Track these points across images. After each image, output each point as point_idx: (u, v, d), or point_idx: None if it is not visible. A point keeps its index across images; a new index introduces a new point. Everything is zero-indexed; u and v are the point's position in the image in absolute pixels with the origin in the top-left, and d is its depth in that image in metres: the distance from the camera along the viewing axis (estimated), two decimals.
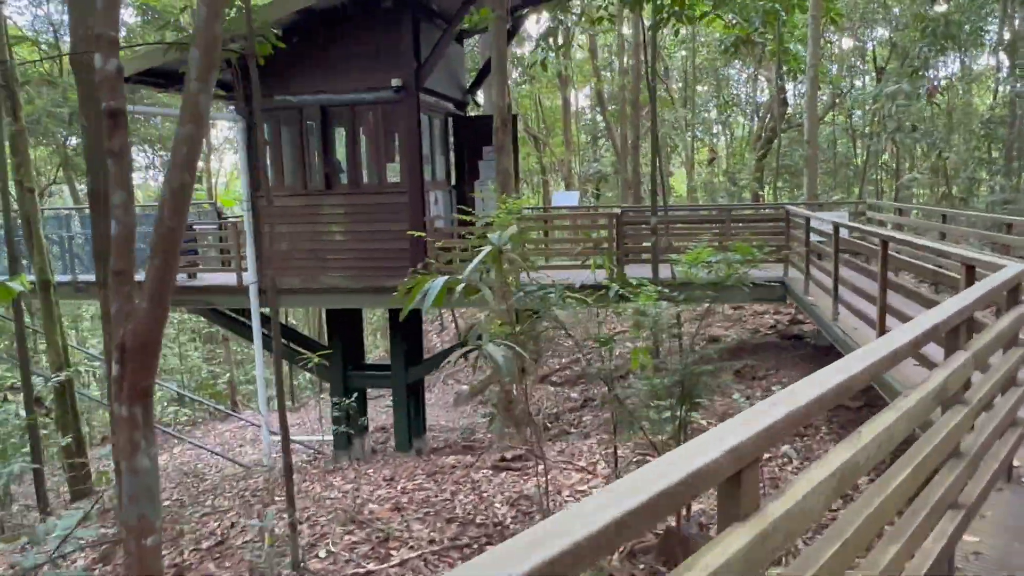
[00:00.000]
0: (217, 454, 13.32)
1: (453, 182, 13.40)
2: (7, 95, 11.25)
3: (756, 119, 26.69)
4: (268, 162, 11.61)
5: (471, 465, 7.70)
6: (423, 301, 3.97)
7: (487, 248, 4.56)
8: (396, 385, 12.28)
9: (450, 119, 13.34)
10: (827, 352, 8.40)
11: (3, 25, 11.44)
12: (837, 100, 23.52)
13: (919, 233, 11.83)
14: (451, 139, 13.09)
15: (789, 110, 24.41)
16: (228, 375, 21.88)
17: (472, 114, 15.03)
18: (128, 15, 21.65)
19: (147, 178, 29.17)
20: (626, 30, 20.89)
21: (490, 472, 7.27)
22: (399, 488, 7.22)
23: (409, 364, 12.26)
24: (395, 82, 10.59)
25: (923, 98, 17.97)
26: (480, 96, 16.10)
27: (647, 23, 13.44)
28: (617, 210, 10.99)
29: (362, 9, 10.62)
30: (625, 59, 16.11)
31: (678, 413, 4.95)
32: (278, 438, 6.11)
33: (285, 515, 5.95)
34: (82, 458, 11.95)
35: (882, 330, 6.05)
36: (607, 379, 5.91)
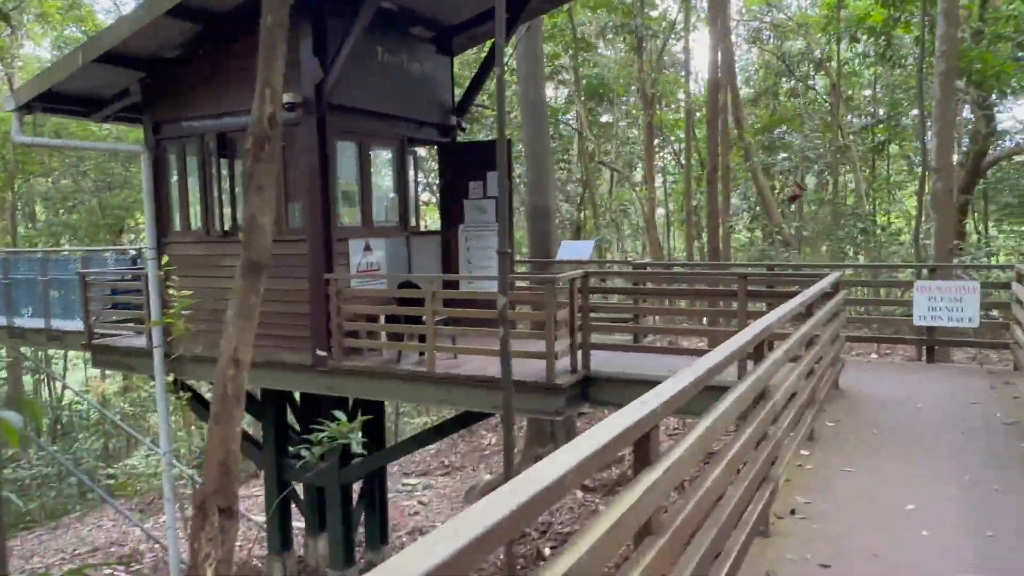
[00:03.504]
0: None
1: (438, 227, 10.63)
2: None
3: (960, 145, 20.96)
4: (176, 201, 9.64)
5: None
6: None
7: None
8: (328, 482, 9.61)
9: (434, 147, 10.65)
10: None
11: None
12: None
13: None
14: (415, 172, 10.32)
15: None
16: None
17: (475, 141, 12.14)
18: None
19: None
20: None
21: None
22: None
23: (346, 459, 9.54)
24: (288, 98, 8.07)
25: None
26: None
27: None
28: (580, 271, 7.50)
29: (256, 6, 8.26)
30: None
31: None
32: None
33: None
34: None
35: None
36: None
